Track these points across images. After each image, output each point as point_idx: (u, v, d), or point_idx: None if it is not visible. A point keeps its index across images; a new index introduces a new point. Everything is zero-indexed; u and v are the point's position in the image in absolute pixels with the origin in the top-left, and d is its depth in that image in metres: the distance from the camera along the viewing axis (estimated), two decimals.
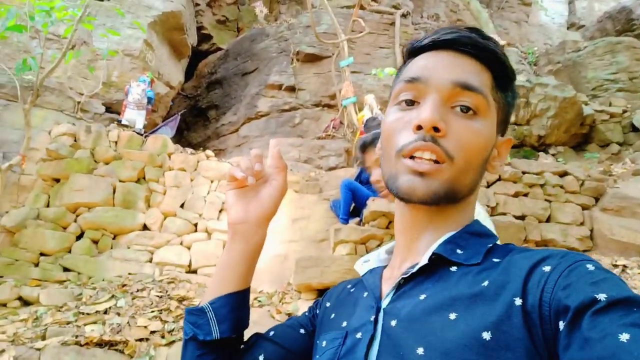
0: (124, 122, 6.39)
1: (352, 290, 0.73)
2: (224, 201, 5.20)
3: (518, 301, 0.47)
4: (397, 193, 0.59)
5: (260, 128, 9.18)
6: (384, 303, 0.60)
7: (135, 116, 6.43)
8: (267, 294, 4.67)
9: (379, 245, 4.42)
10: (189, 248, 5.14)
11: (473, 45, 0.60)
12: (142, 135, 5.86)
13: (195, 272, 5.03)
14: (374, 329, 0.57)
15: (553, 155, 9.39)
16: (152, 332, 3.66)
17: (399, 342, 0.53)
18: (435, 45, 0.62)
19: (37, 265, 4.75)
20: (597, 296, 0.42)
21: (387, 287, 0.63)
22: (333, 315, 0.71)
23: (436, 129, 0.56)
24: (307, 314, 0.79)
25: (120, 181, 5.28)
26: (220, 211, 5.45)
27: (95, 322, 3.68)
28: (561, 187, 5.61)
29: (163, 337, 3.63)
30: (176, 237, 5.17)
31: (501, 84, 0.62)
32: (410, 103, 0.60)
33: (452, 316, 0.50)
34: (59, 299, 4.15)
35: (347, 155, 8.18)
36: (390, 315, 0.57)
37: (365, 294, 0.66)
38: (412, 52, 0.65)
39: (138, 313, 3.89)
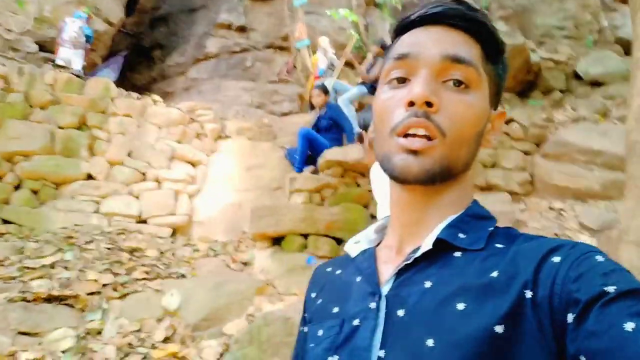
0: (59, 61, 5.88)
1: (338, 273, 0.70)
2: (174, 149, 5.03)
3: (529, 293, 0.47)
4: (391, 173, 0.58)
5: (210, 70, 8.76)
6: (385, 289, 0.58)
7: (71, 56, 5.93)
8: (221, 243, 4.66)
9: (333, 194, 4.46)
10: (138, 198, 4.97)
11: (461, 17, 0.59)
12: (81, 77, 5.43)
13: (145, 222, 4.90)
14: (377, 317, 0.55)
15: None
16: (104, 285, 3.58)
17: (406, 332, 0.52)
18: (423, 20, 0.61)
19: None
20: (606, 288, 0.42)
21: (386, 271, 0.61)
22: (320, 301, 0.69)
23: (429, 104, 0.55)
24: (301, 325, 0.75)
25: (59, 128, 4.93)
26: (171, 159, 5.26)
27: (41, 277, 3.54)
28: (507, 134, 5.81)
29: (115, 290, 3.56)
30: (124, 187, 4.97)
31: (491, 56, 0.61)
32: (402, 81, 0.59)
33: (461, 306, 0.49)
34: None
35: (300, 101, 8.02)
36: (395, 304, 0.55)
37: (359, 278, 0.63)
38: (400, 29, 0.64)
39: (87, 266, 3.77)
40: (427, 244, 0.56)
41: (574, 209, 5.69)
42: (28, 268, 3.67)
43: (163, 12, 10.15)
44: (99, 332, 3.20)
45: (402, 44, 0.61)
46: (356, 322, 0.57)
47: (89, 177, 4.96)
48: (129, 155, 5.14)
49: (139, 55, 10.13)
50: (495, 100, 0.63)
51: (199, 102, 6.96)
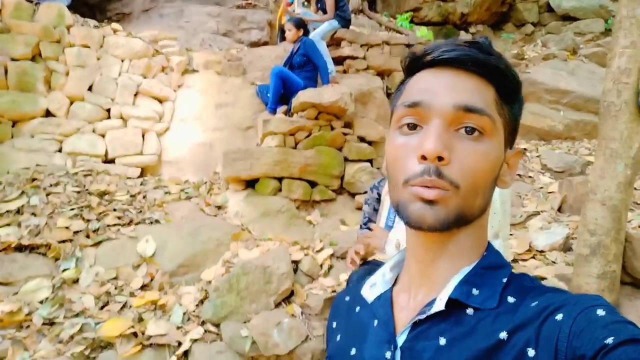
0: None
1: (357, 310, 0.73)
2: (139, 84, 4.76)
3: (531, 352, 0.50)
4: (407, 222, 0.59)
5: None
6: (400, 339, 0.60)
7: None
8: (193, 184, 4.61)
9: (307, 136, 4.41)
10: (103, 136, 4.76)
11: (474, 62, 0.58)
12: (30, 1, 4.92)
13: (113, 161, 4.75)
14: None
15: (472, 34, 9.50)
16: (75, 232, 3.52)
17: None
18: (435, 63, 0.60)
19: None
20: (606, 341, 0.44)
21: (402, 319, 0.63)
22: (339, 338, 0.72)
23: (440, 158, 0.55)
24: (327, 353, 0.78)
25: (12, 59, 4.53)
26: (135, 95, 5.00)
27: (9, 224, 3.44)
28: None
29: (88, 237, 3.51)
30: (87, 124, 4.73)
31: (506, 96, 0.60)
32: (413, 127, 0.59)
33: None
34: None
35: (270, 29, 7.63)
36: (409, 357, 0.58)
37: (376, 322, 0.66)
38: (410, 68, 0.64)
39: (56, 212, 3.67)
40: (440, 304, 0.58)
41: (537, 149, 5.88)
42: None
43: None
44: (75, 281, 3.20)
45: (413, 90, 0.60)
46: None
47: (48, 113, 4.68)
48: (90, 90, 4.84)
49: None
50: (511, 139, 0.63)
51: (161, 27, 6.52)
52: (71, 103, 4.76)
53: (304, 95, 4.37)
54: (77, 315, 2.92)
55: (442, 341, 0.55)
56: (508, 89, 0.60)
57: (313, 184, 4.33)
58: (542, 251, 3.32)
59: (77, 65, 4.82)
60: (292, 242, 3.66)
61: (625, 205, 2.53)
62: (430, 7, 9.04)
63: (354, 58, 6.01)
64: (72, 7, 5.54)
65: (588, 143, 5.94)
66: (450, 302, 0.57)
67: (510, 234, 3.56)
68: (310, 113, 4.41)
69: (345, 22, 5.87)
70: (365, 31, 7.18)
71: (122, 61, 5.05)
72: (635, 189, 3.90)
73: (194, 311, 3.07)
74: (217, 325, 2.93)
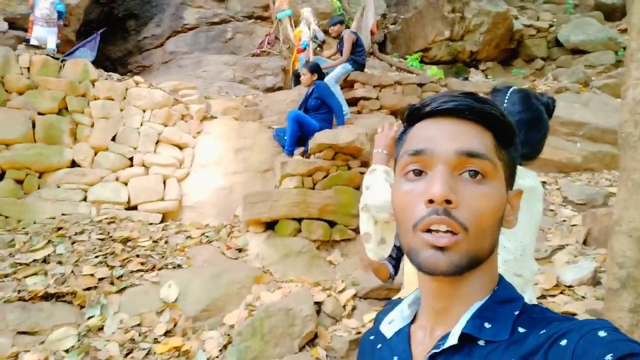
0: (33, 41, 5.59)
1: (379, 347, 0.75)
2: (160, 132, 4.92)
3: None
4: (420, 268, 0.61)
5: (189, 43, 8.47)
6: None
7: (45, 34, 5.62)
8: (214, 228, 4.65)
9: (325, 177, 4.46)
10: (126, 184, 4.88)
11: (471, 111, 0.61)
12: (57, 59, 5.19)
13: (135, 208, 4.84)
14: None
15: (483, 71, 9.65)
16: (100, 280, 3.56)
17: None
18: (434, 113, 0.64)
19: None
20: (605, 358, 0.45)
21: (418, 354, 0.65)
22: None
23: (448, 201, 0.57)
24: None
25: (39, 114, 4.75)
26: (157, 143, 5.16)
27: (36, 274, 3.50)
28: None
29: (112, 284, 3.55)
30: (111, 173, 4.88)
31: (503, 141, 0.64)
32: (418, 173, 0.62)
33: None
34: None
35: (284, 75, 7.87)
36: None
37: (395, 358, 0.68)
38: (411, 119, 0.67)
39: (81, 259, 3.74)
40: (453, 338, 0.60)
41: (557, 182, 5.83)
42: (20, 264, 3.62)
43: None
44: (100, 329, 3.21)
45: (416, 139, 0.64)
46: None
47: (74, 164, 4.84)
48: (113, 140, 5.02)
49: (113, 27, 9.71)
50: (510, 181, 0.66)
51: (180, 77, 6.77)
52: (95, 153, 4.92)
53: (321, 137, 4.46)
54: None
55: None
56: (504, 134, 0.64)
57: (332, 224, 4.34)
58: (570, 286, 3.24)
59: (102, 117, 5.02)
60: (313, 283, 3.64)
61: None
62: (439, 47, 9.24)
63: (367, 99, 6.13)
64: (95, 62, 5.82)
65: (608, 174, 5.87)
66: (464, 336, 0.59)
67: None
68: (327, 154, 4.48)
69: (358, 66, 6.05)
70: (377, 72, 7.35)
71: (144, 111, 5.24)
72: None
73: (217, 357, 3.05)
74: None
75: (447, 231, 0.57)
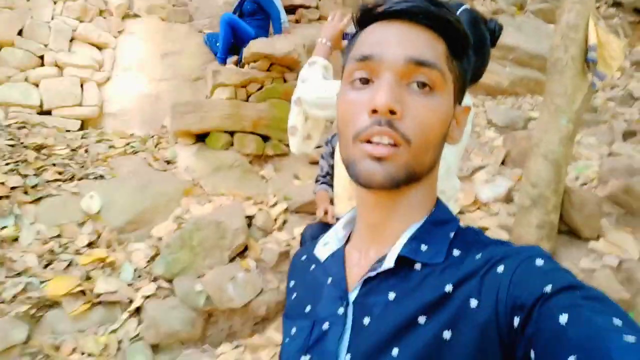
0: None
1: (312, 268, 0.73)
2: (74, 28, 4.41)
3: (474, 302, 0.51)
4: (356, 180, 0.58)
5: None
6: (352, 296, 0.61)
7: None
8: (140, 139, 4.41)
9: (259, 89, 4.30)
10: (37, 85, 4.41)
11: (425, 14, 0.57)
12: None
13: (49, 113, 4.43)
14: (344, 323, 0.60)
15: None
16: (12, 189, 3.30)
17: (371, 339, 0.56)
18: (386, 15, 0.59)
19: None
20: (544, 289, 0.46)
21: (353, 276, 0.64)
22: (295, 295, 0.73)
23: (392, 112, 0.54)
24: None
25: None
26: (71, 41, 4.63)
27: None
28: None
29: (26, 193, 3.31)
30: (19, 72, 4.35)
31: (456, 51, 0.61)
32: (365, 81, 0.58)
33: (422, 320, 0.53)
34: None
35: None
36: (361, 312, 0.59)
37: (330, 279, 0.67)
38: (362, 21, 0.62)
39: None
40: (389, 261, 0.59)
41: (484, 104, 6.04)
42: None
43: None
44: (15, 240, 3.03)
45: (364, 44, 0.59)
46: (325, 325, 0.61)
47: None
48: (20, 34, 4.42)
49: None
50: (460, 95, 0.64)
51: None
52: (0, 48, 4.34)
53: (256, 46, 4.21)
54: (19, 274, 2.78)
55: (392, 296, 0.57)
56: (458, 44, 0.60)
57: (266, 138, 4.26)
58: (486, 203, 3.48)
59: (5, 6, 4.37)
60: (245, 197, 3.62)
61: (565, 159, 2.67)
62: None
63: (306, 7, 5.81)
64: None
65: (531, 99, 6.16)
66: (400, 259, 0.58)
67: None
68: (263, 64, 4.27)
69: None
70: None
71: (55, 3, 4.62)
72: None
73: (145, 268, 3.02)
74: (170, 282, 2.89)
75: (388, 144, 0.55)
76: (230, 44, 4.51)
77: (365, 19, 0.62)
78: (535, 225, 2.68)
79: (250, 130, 4.14)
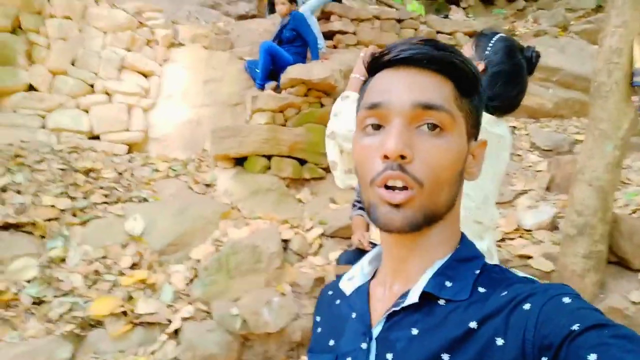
0: None
1: (337, 303, 0.74)
2: (123, 57, 4.64)
3: (500, 341, 0.51)
4: (376, 224, 0.60)
5: None
6: (375, 331, 0.62)
7: None
8: (181, 163, 4.55)
9: (297, 113, 4.37)
10: (87, 112, 4.65)
11: (430, 59, 0.59)
12: None
13: (97, 138, 4.65)
14: (367, 358, 0.60)
15: (464, 9, 9.39)
16: (62, 211, 3.47)
17: None
18: (392, 63, 0.61)
19: None
20: (572, 327, 0.45)
21: (377, 311, 0.65)
22: (320, 330, 0.75)
23: (402, 156, 0.57)
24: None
25: None
26: (120, 69, 4.87)
27: None
28: None
29: (75, 215, 3.47)
30: (70, 100, 4.61)
31: (465, 90, 0.62)
32: (377, 127, 0.61)
33: (445, 357, 0.53)
34: None
35: (258, 1, 7.44)
36: (383, 347, 0.59)
37: (354, 314, 0.67)
38: (371, 68, 0.65)
39: (41, 190, 3.61)
40: (413, 296, 0.59)
41: (526, 127, 5.89)
42: None
43: None
44: (62, 260, 3.17)
45: (373, 92, 0.62)
46: None
47: (30, 88, 4.54)
48: (73, 64, 4.70)
49: None
50: (473, 132, 0.65)
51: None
52: (54, 77, 4.62)
53: (294, 72, 4.30)
54: (65, 294, 2.90)
55: (415, 331, 0.57)
56: (466, 83, 0.61)
57: (302, 162, 4.31)
58: (529, 230, 3.36)
59: (59, 37, 4.66)
60: (281, 220, 3.66)
61: (612, 186, 2.56)
62: None
63: (343, 33, 5.90)
64: None
65: (577, 121, 5.96)
66: (424, 294, 0.59)
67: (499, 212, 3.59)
68: (300, 90, 4.35)
69: None
70: (355, 4, 7.04)
71: (105, 34, 4.89)
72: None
73: (183, 290, 3.08)
74: (207, 304, 2.94)
75: (403, 187, 0.57)
76: (269, 70, 4.63)
77: (374, 67, 0.64)
78: (581, 255, 2.57)
79: (287, 154, 4.20)
